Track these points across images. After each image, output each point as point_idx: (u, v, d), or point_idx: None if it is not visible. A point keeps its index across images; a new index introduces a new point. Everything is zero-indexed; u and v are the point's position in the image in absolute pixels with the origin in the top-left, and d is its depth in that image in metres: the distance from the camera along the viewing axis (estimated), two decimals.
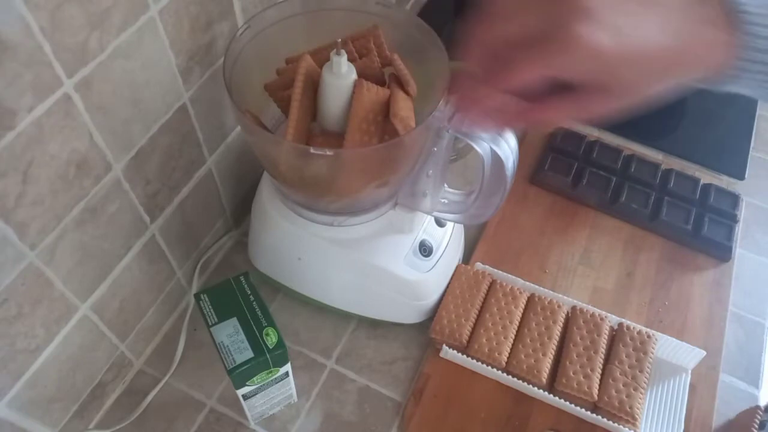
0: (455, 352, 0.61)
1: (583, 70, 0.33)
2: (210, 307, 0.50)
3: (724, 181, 0.79)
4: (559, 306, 0.64)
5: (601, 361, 0.60)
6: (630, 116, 0.35)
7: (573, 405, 0.59)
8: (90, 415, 0.58)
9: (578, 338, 0.62)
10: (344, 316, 0.65)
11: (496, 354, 0.60)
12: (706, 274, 0.71)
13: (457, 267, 0.66)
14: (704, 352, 0.61)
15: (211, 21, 0.53)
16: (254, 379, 0.50)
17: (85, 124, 0.44)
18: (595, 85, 0.34)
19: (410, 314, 0.64)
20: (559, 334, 0.63)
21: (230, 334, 0.48)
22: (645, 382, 0.59)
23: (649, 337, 0.61)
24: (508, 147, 0.49)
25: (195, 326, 0.65)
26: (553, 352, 0.61)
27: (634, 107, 0.35)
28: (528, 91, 0.35)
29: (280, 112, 0.54)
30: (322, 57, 0.49)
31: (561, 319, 0.63)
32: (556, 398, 0.59)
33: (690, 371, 0.62)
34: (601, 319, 0.63)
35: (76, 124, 0.43)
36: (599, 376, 0.59)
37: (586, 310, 0.64)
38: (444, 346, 0.62)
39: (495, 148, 0.48)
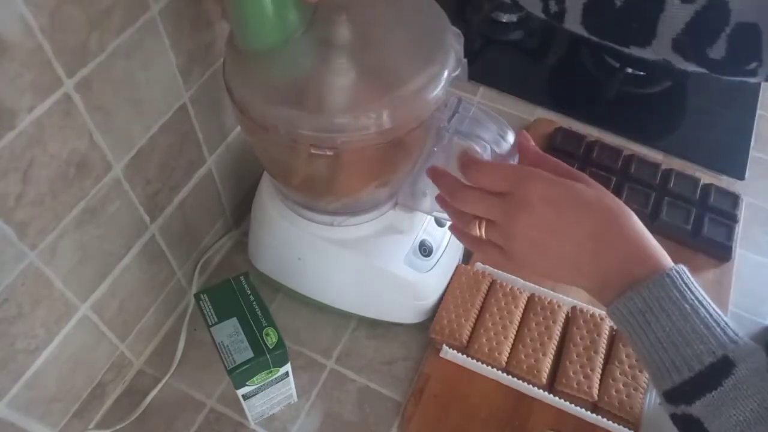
0: (455, 352, 0.61)
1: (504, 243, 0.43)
2: (210, 307, 0.50)
3: (724, 181, 0.79)
4: (559, 306, 0.64)
5: (601, 361, 0.60)
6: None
7: (573, 405, 0.59)
8: (90, 415, 0.58)
9: (578, 338, 0.62)
10: (344, 316, 0.65)
11: (496, 354, 0.60)
12: (706, 274, 0.71)
13: (457, 267, 0.66)
14: None
15: (211, 21, 0.53)
16: (254, 379, 0.50)
17: (85, 124, 0.44)
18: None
19: (410, 314, 0.64)
20: (559, 334, 0.63)
21: (230, 334, 0.48)
22: (645, 382, 0.59)
23: None
24: (508, 147, 0.49)
25: (195, 326, 0.65)
26: (553, 352, 0.61)
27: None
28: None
29: None
30: None
31: (561, 319, 0.63)
32: (556, 398, 0.59)
33: None
34: (601, 319, 0.63)
35: (76, 124, 0.43)
36: (599, 376, 0.59)
37: (586, 310, 0.64)
38: (444, 346, 0.62)
39: (495, 148, 0.48)
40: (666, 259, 0.40)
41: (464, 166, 0.44)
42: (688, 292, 0.38)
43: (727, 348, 0.36)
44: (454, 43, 0.48)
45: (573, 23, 0.48)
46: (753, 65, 0.44)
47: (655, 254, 0.39)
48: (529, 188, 0.41)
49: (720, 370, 0.35)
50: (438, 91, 0.46)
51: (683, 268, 0.39)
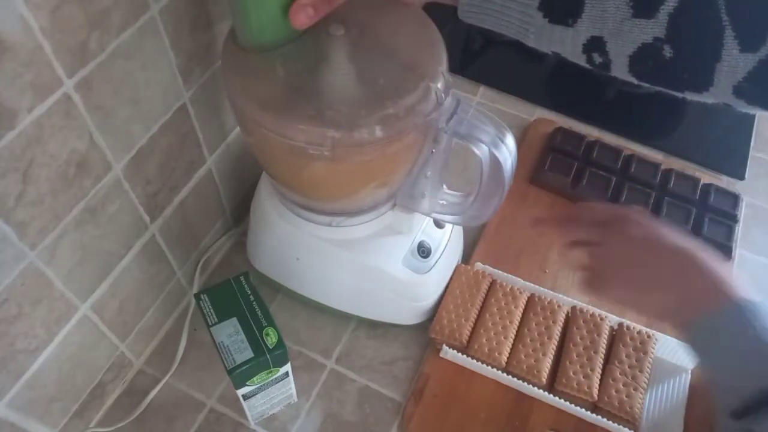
0: (455, 352, 0.61)
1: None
2: (210, 307, 0.50)
3: (724, 181, 0.79)
4: (559, 306, 0.64)
5: (601, 361, 0.60)
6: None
7: (573, 405, 0.59)
8: (90, 415, 0.58)
9: (578, 338, 0.62)
10: (344, 316, 0.65)
11: (496, 354, 0.60)
12: None
13: (456, 267, 0.66)
14: None
15: (211, 21, 0.53)
16: (254, 379, 0.50)
17: (85, 124, 0.44)
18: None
19: (408, 315, 0.64)
20: (559, 334, 0.63)
21: (230, 334, 0.48)
22: (645, 382, 0.59)
23: (649, 337, 0.61)
24: (506, 150, 0.49)
25: (195, 326, 0.65)
26: (553, 352, 0.61)
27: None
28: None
29: None
30: None
31: (561, 319, 0.63)
32: (556, 398, 0.59)
33: (690, 371, 0.62)
34: (601, 319, 0.63)
35: (76, 124, 0.43)
36: (599, 376, 0.59)
37: (586, 310, 0.64)
38: (444, 346, 0.62)
39: (494, 150, 0.48)
40: (739, 290, 0.44)
41: (578, 208, 0.58)
42: (757, 320, 0.42)
43: None
44: (443, 54, 0.48)
45: (620, 72, 0.46)
46: None
47: (728, 287, 0.45)
48: (628, 214, 0.52)
49: None
50: (430, 103, 0.46)
51: (755, 302, 0.44)
